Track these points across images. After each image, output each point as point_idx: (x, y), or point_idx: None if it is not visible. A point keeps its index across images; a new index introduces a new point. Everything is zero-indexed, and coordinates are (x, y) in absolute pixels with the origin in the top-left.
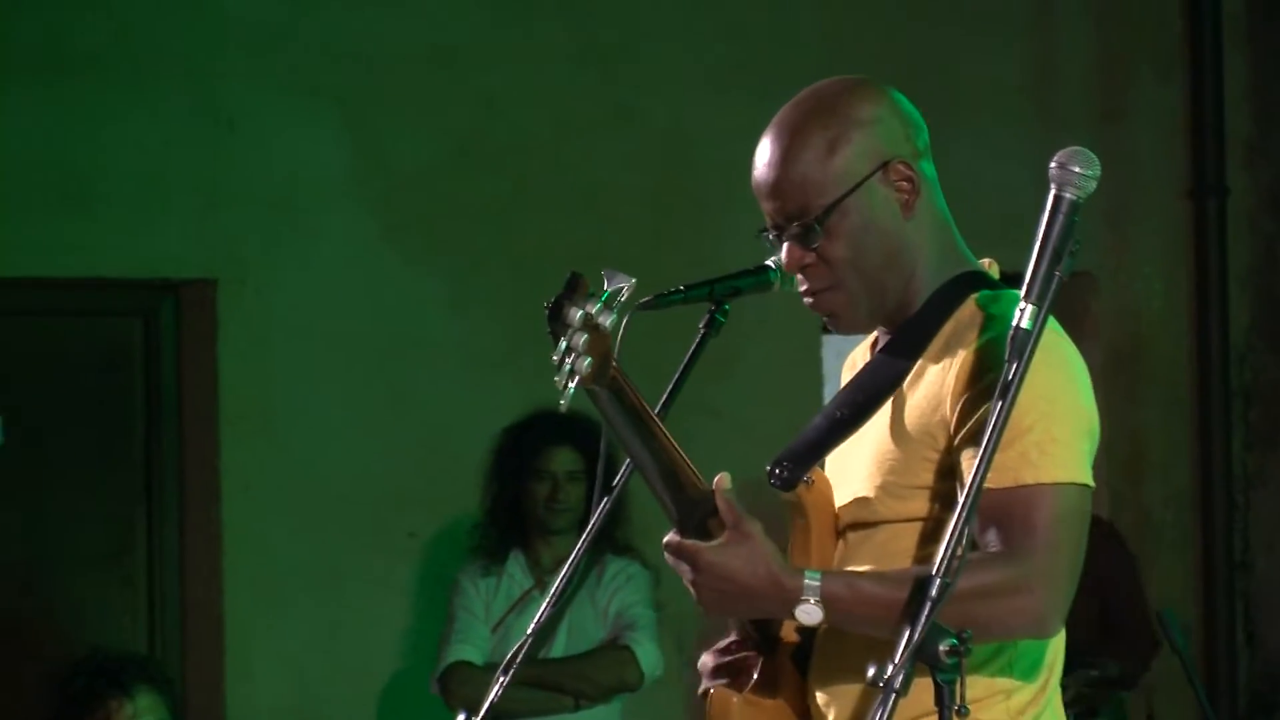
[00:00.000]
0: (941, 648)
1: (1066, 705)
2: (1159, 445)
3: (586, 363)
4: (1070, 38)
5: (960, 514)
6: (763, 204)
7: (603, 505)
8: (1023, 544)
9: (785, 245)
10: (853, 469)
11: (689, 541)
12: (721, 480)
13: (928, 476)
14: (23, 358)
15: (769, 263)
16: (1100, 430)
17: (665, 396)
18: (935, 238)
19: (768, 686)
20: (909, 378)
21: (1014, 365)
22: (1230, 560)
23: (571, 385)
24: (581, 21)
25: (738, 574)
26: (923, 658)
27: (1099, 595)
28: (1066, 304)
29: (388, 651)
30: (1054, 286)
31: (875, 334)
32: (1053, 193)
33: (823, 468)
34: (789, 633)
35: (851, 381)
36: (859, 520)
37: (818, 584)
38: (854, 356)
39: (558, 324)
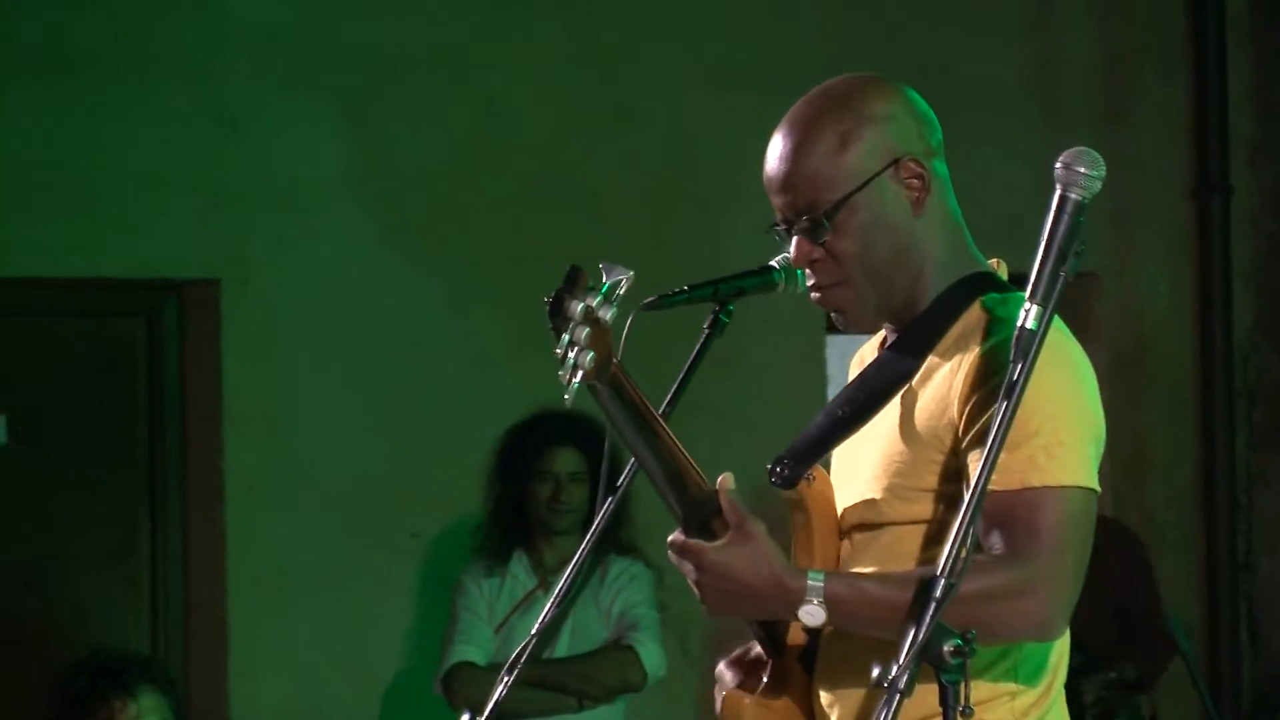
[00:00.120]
0: (946, 648)
1: (1086, 708)
2: (1162, 445)
3: (589, 357)
4: (1073, 38)
5: (965, 515)
6: (773, 198)
7: (607, 505)
8: (1027, 547)
9: (794, 239)
10: (858, 470)
11: (693, 541)
12: (725, 480)
13: (934, 479)
14: (25, 358)
15: (773, 263)
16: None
17: (669, 397)
18: (945, 236)
19: (776, 688)
20: (917, 378)
21: (1019, 365)
22: (1234, 561)
23: (576, 380)
24: (581, 21)
25: (741, 574)
26: (927, 658)
27: (1116, 597)
28: (1070, 305)
29: (391, 652)
30: (1059, 287)
31: (884, 332)
32: (1058, 193)
33: (825, 466)
34: (796, 635)
35: (855, 380)
36: (865, 521)
37: (821, 585)
38: (862, 353)
39: (559, 318)
